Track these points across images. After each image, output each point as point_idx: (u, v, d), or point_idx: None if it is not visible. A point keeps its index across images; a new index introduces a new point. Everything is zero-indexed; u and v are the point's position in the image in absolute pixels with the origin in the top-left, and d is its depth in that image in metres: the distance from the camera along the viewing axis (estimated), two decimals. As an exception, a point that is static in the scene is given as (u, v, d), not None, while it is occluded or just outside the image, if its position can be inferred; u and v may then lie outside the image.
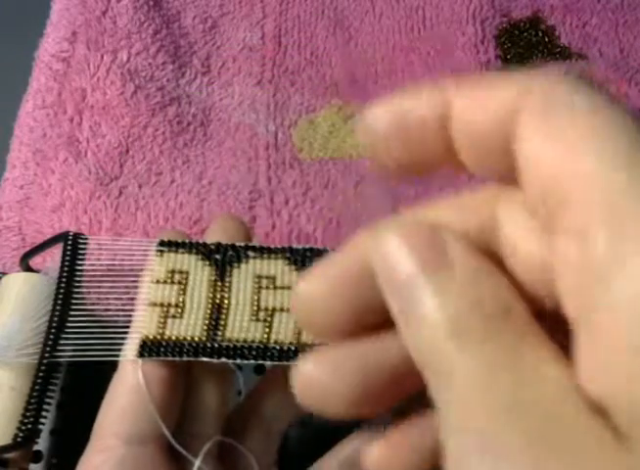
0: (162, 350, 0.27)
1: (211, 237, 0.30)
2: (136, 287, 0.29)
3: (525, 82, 0.15)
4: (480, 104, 0.16)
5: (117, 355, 0.28)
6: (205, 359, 0.27)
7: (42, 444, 0.36)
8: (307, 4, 0.49)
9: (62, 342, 0.29)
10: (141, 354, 0.27)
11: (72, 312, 0.29)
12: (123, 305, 0.30)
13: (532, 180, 0.15)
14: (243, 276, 0.29)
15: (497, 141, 0.16)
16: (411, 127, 0.17)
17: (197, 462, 0.26)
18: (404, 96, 0.17)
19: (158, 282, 0.28)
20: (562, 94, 0.15)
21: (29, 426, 0.28)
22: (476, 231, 0.16)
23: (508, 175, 0.16)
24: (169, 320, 0.28)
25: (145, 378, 0.26)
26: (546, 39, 0.47)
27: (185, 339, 0.27)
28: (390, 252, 0.16)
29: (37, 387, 0.29)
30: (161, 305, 0.28)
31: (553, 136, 0.14)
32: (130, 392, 0.26)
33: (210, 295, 0.28)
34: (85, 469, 0.25)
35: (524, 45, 0.47)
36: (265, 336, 0.28)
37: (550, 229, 0.14)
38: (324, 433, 0.37)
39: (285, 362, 0.27)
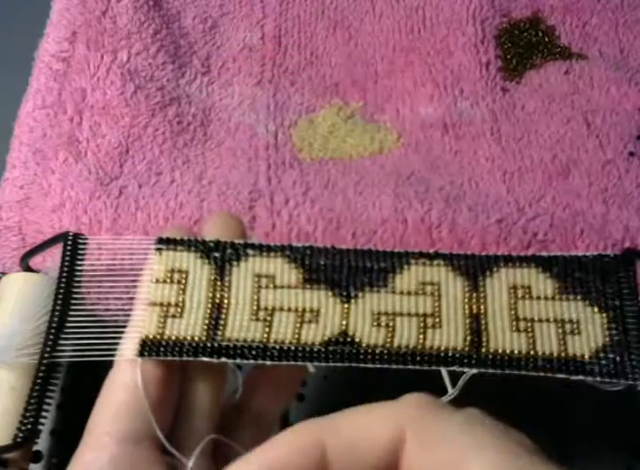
0: (162, 349, 0.27)
1: (206, 234, 0.30)
2: (136, 286, 0.29)
3: (397, 420, 0.19)
4: (355, 437, 0.19)
5: (117, 355, 0.28)
6: (204, 359, 0.27)
7: (42, 444, 0.36)
8: (307, 4, 0.49)
9: (62, 342, 0.29)
10: (141, 354, 0.27)
11: (72, 312, 0.29)
12: (123, 304, 0.30)
13: None
14: (242, 275, 0.29)
15: (381, 464, 0.19)
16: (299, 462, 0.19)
17: (190, 463, 0.26)
18: (277, 447, 0.20)
19: (157, 281, 0.29)
20: (433, 419, 0.19)
21: (29, 426, 0.28)
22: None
23: None
24: (169, 320, 0.28)
25: (137, 377, 0.26)
26: (546, 39, 0.47)
27: (185, 338, 0.27)
28: None
29: (37, 387, 0.29)
30: (161, 304, 0.28)
31: (435, 448, 0.18)
32: (125, 390, 0.26)
33: (210, 294, 0.28)
34: (77, 467, 0.25)
35: (524, 45, 0.46)
36: (265, 335, 0.28)
37: None
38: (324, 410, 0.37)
39: (285, 362, 0.27)
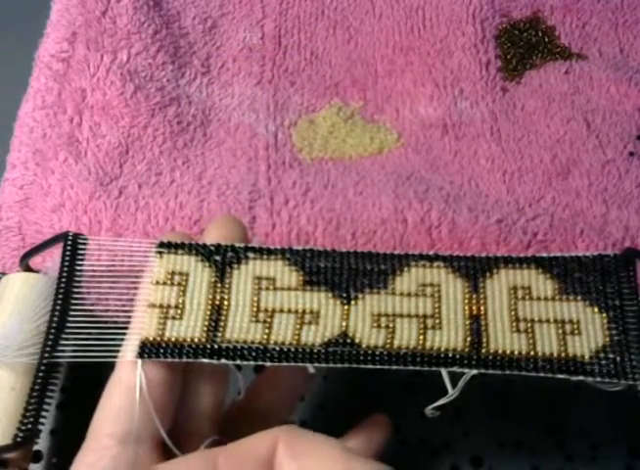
0: (162, 351, 0.27)
1: (208, 238, 0.30)
2: (136, 288, 0.29)
3: (273, 434, 0.24)
4: (244, 454, 0.24)
5: (117, 356, 0.28)
6: (204, 361, 0.27)
7: (42, 444, 0.36)
8: (307, 4, 0.49)
9: (62, 342, 0.29)
10: (141, 356, 0.27)
11: (72, 312, 0.29)
12: (123, 305, 0.30)
13: None
14: (242, 277, 0.29)
15: None
16: None
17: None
18: (181, 464, 0.25)
19: (157, 283, 0.29)
20: (297, 434, 0.24)
21: (29, 426, 0.28)
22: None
23: None
24: (169, 321, 0.28)
25: (140, 379, 0.26)
26: (546, 39, 0.47)
27: (185, 340, 0.27)
28: None
29: (37, 387, 0.29)
30: (161, 306, 0.28)
31: (298, 458, 0.23)
32: (127, 392, 0.26)
33: (210, 296, 0.28)
34: (79, 468, 0.25)
35: (524, 45, 0.46)
36: (265, 337, 0.28)
37: None
38: (324, 410, 0.37)
39: (285, 363, 0.27)
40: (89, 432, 0.26)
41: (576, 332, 0.28)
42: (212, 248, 0.29)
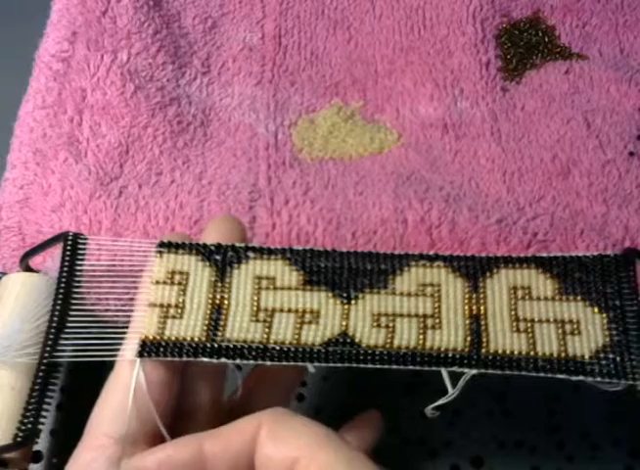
0: (162, 350, 0.27)
1: (207, 238, 0.30)
2: (136, 287, 0.29)
3: (258, 417, 0.25)
4: (227, 438, 0.24)
5: (117, 356, 0.28)
6: (204, 360, 0.27)
7: (42, 444, 0.36)
8: (307, 4, 0.49)
9: (62, 342, 0.29)
10: (141, 355, 0.27)
11: (72, 312, 0.29)
12: (123, 305, 0.30)
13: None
14: (243, 277, 0.29)
15: (245, 461, 0.24)
16: (177, 466, 0.24)
17: None
18: (167, 446, 0.25)
19: (157, 283, 0.29)
20: (282, 419, 0.25)
21: (29, 426, 0.28)
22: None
23: None
24: (169, 321, 0.28)
25: (139, 378, 0.26)
26: (546, 39, 0.47)
27: (185, 339, 0.27)
28: None
29: (37, 387, 0.29)
30: (161, 305, 0.28)
31: (278, 443, 0.24)
32: (124, 392, 0.26)
33: (210, 295, 0.28)
34: (75, 466, 0.25)
35: (524, 45, 0.46)
36: (265, 336, 0.28)
37: None
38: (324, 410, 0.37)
39: (285, 363, 0.27)
40: (86, 430, 0.26)
41: (576, 332, 0.28)
42: (213, 247, 0.29)
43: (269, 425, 0.24)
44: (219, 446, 0.25)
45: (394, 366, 0.27)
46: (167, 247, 0.29)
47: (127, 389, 0.26)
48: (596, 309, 0.28)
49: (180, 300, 0.28)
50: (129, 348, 0.27)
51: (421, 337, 0.28)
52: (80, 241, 0.31)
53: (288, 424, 0.25)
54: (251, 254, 0.29)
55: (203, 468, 0.24)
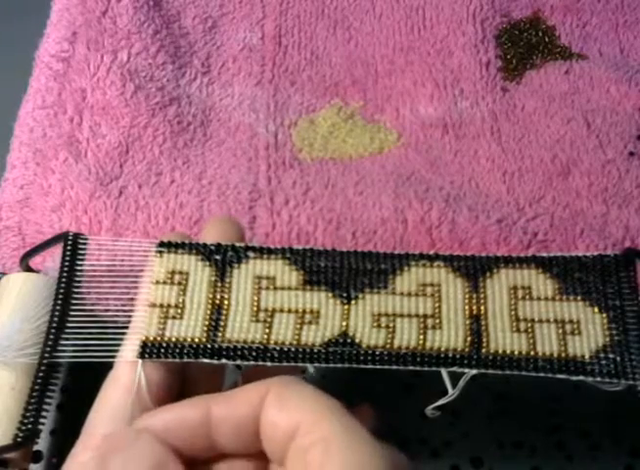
0: (163, 351, 0.27)
1: (205, 237, 0.30)
2: (136, 287, 0.29)
3: (266, 383, 0.24)
4: (235, 402, 0.24)
5: (117, 356, 0.28)
6: (205, 361, 0.27)
7: (42, 444, 0.36)
8: (307, 4, 0.49)
9: (62, 342, 0.29)
10: (142, 356, 0.27)
11: (72, 312, 0.29)
12: (123, 305, 0.30)
13: (269, 440, 0.24)
14: (243, 277, 0.29)
15: (250, 426, 0.24)
16: (183, 427, 0.25)
17: None
18: (176, 406, 0.25)
19: (157, 283, 0.28)
20: (289, 386, 0.24)
21: (29, 426, 0.28)
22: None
23: (258, 449, 0.25)
24: (169, 321, 0.28)
25: (140, 379, 0.26)
26: (546, 39, 0.47)
27: (185, 340, 0.27)
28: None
29: (37, 387, 0.29)
30: (161, 305, 0.28)
31: (282, 409, 0.24)
32: (123, 392, 0.26)
33: (210, 295, 0.28)
34: (73, 465, 0.25)
35: (524, 45, 0.46)
36: (265, 337, 0.28)
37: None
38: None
39: (285, 363, 0.27)
40: (84, 429, 0.26)
41: (576, 332, 0.28)
42: (213, 247, 0.29)
43: (276, 391, 0.24)
44: (226, 409, 0.25)
45: (394, 366, 0.27)
46: (167, 247, 0.29)
47: (126, 389, 0.26)
48: (596, 309, 0.28)
49: (180, 300, 0.28)
50: (129, 348, 0.27)
51: (421, 337, 0.28)
52: (80, 241, 0.31)
53: (294, 392, 0.24)
54: (250, 253, 0.29)
55: (208, 430, 0.25)
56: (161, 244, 0.29)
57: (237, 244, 0.30)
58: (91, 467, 0.25)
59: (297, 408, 0.24)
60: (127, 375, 0.27)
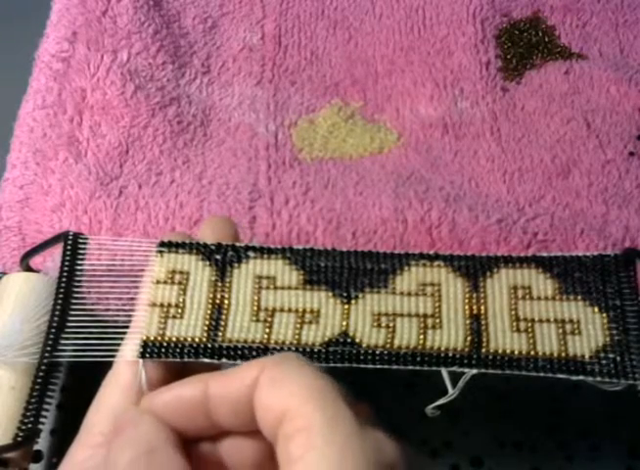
0: (163, 350, 0.27)
1: (202, 235, 0.30)
2: (136, 287, 0.29)
3: (262, 362, 0.24)
4: (230, 381, 0.24)
5: (118, 355, 0.28)
6: (205, 360, 0.27)
7: (42, 444, 0.36)
8: (307, 4, 0.49)
9: (62, 342, 0.29)
10: (142, 355, 0.27)
11: (72, 312, 0.29)
12: (123, 305, 0.30)
13: (263, 422, 0.23)
14: (243, 276, 0.29)
15: (246, 405, 0.23)
16: (183, 406, 0.24)
17: None
18: (176, 386, 0.25)
19: (158, 282, 0.28)
20: (284, 366, 0.23)
21: (29, 426, 0.28)
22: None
23: (254, 427, 0.24)
24: (170, 321, 0.28)
25: (140, 379, 0.26)
26: (546, 39, 0.47)
27: (186, 340, 0.27)
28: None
29: (37, 387, 0.29)
30: (162, 305, 0.28)
31: (274, 391, 0.23)
32: (122, 391, 0.26)
33: (211, 295, 0.28)
34: (70, 464, 0.25)
35: (524, 45, 0.47)
36: (266, 336, 0.28)
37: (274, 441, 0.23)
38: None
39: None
40: (82, 428, 0.26)
41: (577, 332, 0.28)
42: (213, 247, 0.29)
43: (269, 372, 0.24)
44: (221, 388, 0.24)
45: (394, 366, 0.27)
46: (168, 246, 0.29)
47: (125, 388, 0.26)
48: (596, 309, 0.28)
49: (181, 299, 0.28)
50: (129, 347, 0.27)
51: (421, 337, 0.28)
52: (81, 241, 0.31)
53: (288, 372, 0.23)
54: (251, 253, 0.29)
55: (207, 408, 0.24)
56: (162, 244, 0.29)
57: (237, 244, 0.30)
58: (90, 466, 0.25)
59: (288, 391, 0.23)
60: (126, 374, 0.27)
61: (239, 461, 0.25)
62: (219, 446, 0.25)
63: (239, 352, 0.27)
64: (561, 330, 0.28)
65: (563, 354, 0.27)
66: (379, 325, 0.28)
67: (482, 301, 0.28)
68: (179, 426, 0.24)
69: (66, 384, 0.38)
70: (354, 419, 0.22)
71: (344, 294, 0.29)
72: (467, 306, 0.28)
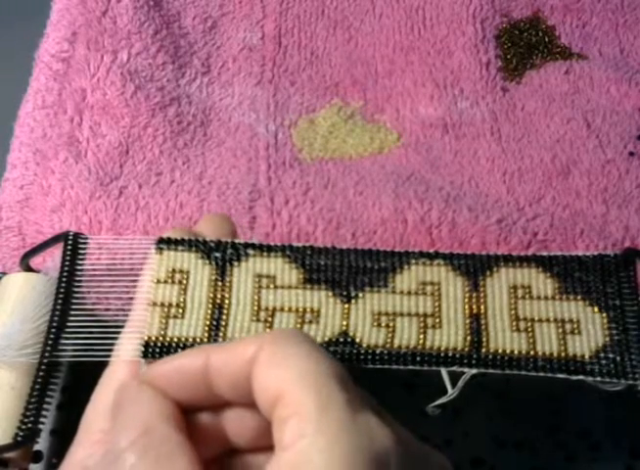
0: (165, 350, 0.27)
1: (200, 229, 0.30)
2: (136, 287, 0.29)
3: (262, 338, 0.23)
4: (230, 354, 0.24)
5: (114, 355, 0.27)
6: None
7: (42, 444, 0.36)
8: (307, 4, 0.49)
9: (62, 342, 0.29)
10: (144, 355, 0.27)
11: (72, 312, 0.29)
12: (123, 304, 0.30)
13: (260, 401, 0.23)
14: (243, 275, 0.29)
15: (244, 381, 0.23)
16: (183, 377, 0.24)
17: None
18: (177, 357, 0.25)
19: (158, 282, 0.28)
20: (283, 344, 0.23)
21: (29, 426, 0.28)
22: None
23: (253, 400, 0.23)
24: (171, 320, 0.28)
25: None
26: (546, 39, 0.47)
27: (187, 339, 0.27)
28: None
29: (37, 387, 0.29)
30: (162, 304, 0.28)
31: (270, 372, 0.22)
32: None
33: (211, 294, 0.28)
34: (71, 463, 0.25)
35: (524, 45, 0.47)
36: (265, 336, 0.28)
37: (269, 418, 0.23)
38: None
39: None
40: (81, 426, 0.26)
41: (576, 332, 0.28)
42: (212, 244, 0.29)
43: (268, 349, 0.23)
44: (222, 361, 0.24)
45: (394, 366, 0.27)
46: (167, 243, 0.29)
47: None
48: (596, 309, 0.28)
49: (181, 299, 0.28)
50: (126, 346, 0.27)
51: (421, 336, 0.28)
52: (81, 241, 0.31)
53: (286, 351, 0.23)
54: (250, 251, 0.29)
55: (208, 379, 0.24)
56: (161, 240, 0.29)
57: (237, 241, 0.29)
58: (90, 464, 0.25)
59: (282, 374, 0.22)
60: (123, 372, 0.27)
61: (240, 432, 0.25)
62: (221, 417, 0.25)
63: (239, 352, 0.27)
64: (561, 330, 0.28)
65: (563, 354, 0.27)
66: (379, 325, 0.28)
67: (482, 300, 0.28)
68: (180, 397, 0.24)
69: (66, 384, 0.38)
70: (347, 405, 0.22)
71: (344, 293, 0.28)
72: (467, 306, 0.28)
